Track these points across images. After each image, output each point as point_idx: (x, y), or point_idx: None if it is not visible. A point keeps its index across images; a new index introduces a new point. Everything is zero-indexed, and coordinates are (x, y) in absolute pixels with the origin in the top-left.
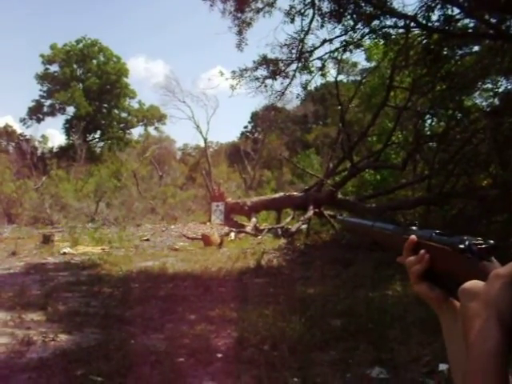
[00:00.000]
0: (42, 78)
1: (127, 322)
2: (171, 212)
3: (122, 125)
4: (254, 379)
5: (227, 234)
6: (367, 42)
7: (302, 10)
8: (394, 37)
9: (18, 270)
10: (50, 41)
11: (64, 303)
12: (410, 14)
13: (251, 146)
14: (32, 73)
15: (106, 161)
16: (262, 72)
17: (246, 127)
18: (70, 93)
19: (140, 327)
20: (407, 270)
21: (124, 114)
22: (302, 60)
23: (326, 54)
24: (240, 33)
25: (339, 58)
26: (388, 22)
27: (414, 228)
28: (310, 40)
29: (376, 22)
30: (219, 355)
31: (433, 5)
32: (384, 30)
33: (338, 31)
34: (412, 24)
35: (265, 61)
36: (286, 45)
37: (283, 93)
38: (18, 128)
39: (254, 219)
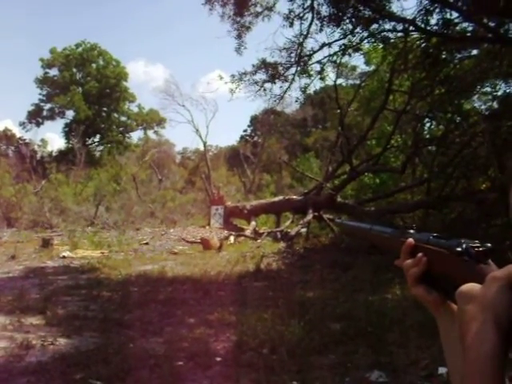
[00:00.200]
0: (42, 81)
1: (126, 326)
2: (170, 216)
3: (121, 128)
4: (253, 383)
5: (226, 238)
6: (366, 45)
7: (301, 14)
8: (392, 40)
9: (18, 273)
10: (49, 44)
11: (63, 307)
12: (408, 17)
13: (250, 149)
14: (31, 77)
15: (106, 164)
16: (261, 76)
17: (245, 131)
18: (69, 97)
19: (139, 331)
20: (405, 273)
21: (123, 118)
22: (301, 64)
23: (325, 57)
24: (239, 37)
25: (338, 61)
26: (387, 26)
27: (411, 231)
28: (309, 44)
29: (375, 26)
30: (218, 359)
31: (431, 9)
32: (383, 33)
33: (336, 35)
34: (411, 28)
35: (264, 65)
36: (285, 49)
37: (282, 96)
38: (18, 132)
39: (253, 223)
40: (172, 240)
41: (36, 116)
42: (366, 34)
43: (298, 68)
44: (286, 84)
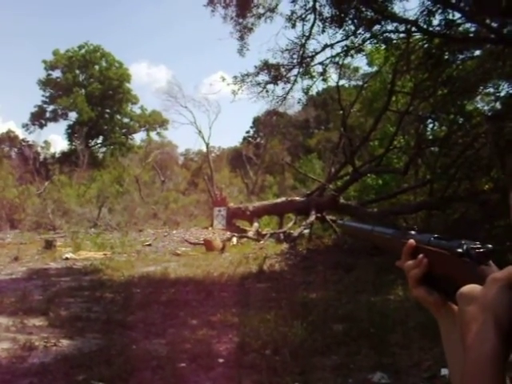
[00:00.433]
0: (45, 83)
1: (129, 327)
2: (173, 217)
3: (124, 130)
4: None
5: (229, 239)
6: (368, 46)
7: (303, 16)
8: (395, 41)
9: (21, 275)
10: (52, 46)
11: (66, 308)
12: (411, 18)
13: (253, 150)
14: (34, 78)
15: (109, 166)
16: (263, 77)
17: (247, 132)
18: (72, 98)
19: (142, 332)
20: (406, 274)
21: (126, 120)
22: (304, 65)
23: (328, 58)
24: (241, 38)
25: (340, 62)
26: (389, 27)
27: (412, 232)
28: (312, 45)
29: (377, 27)
30: (221, 360)
31: (434, 9)
32: (385, 34)
33: (339, 36)
34: (413, 29)
35: (266, 66)
36: (287, 50)
37: (285, 98)
38: (21, 134)
39: (256, 224)
40: (175, 241)
41: (39, 118)
42: (368, 35)
43: (301, 69)
44: (289, 85)
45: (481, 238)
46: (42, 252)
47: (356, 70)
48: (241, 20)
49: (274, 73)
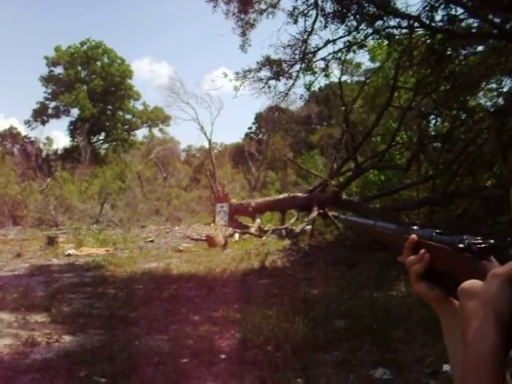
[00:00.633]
0: (47, 80)
1: (131, 323)
2: (175, 213)
3: (126, 126)
4: (257, 380)
5: (231, 235)
6: (371, 42)
7: (305, 11)
8: (397, 37)
9: (23, 271)
10: (54, 42)
11: (68, 304)
12: (413, 14)
13: (255, 147)
14: (36, 75)
15: (111, 162)
16: (265, 73)
17: (250, 128)
18: (74, 95)
19: (144, 328)
20: (408, 270)
21: (128, 116)
22: (306, 61)
23: (330, 54)
24: (243, 34)
25: (343, 58)
26: (391, 23)
27: (414, 227)
28: (314, 41)
29: (379, 23)
30: (223, 356)
31: (436, 5)
32: (387, 30)
33: (341, 32)
34: (416, 24)
35: (268, 62)
36: (289, 46)
37: (287, 94)
38: (23, 130)
39: (258, 220)
40: (177, 237)
41: (41, 114)
42: (370, 30)
43: (303, 65)
44: (291, 81)
45: (483, 234)
46: (45, 248)
47: (358, 65)
48: (243, 16)
49: (276, 69)
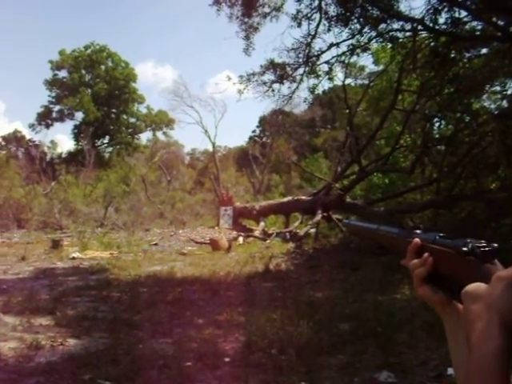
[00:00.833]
0: (51, 83)
1: (135, 327)
2: (179, 217)
3: (130, 130)
4: (261, 383)
5: (235, 239)
6: (374, 45)
7: (309, 15)
8: (401, 40)
9: (27, 274)
10: (58, 46)
11: (73, 308)
12: (417, 17)
13: (259, 150)
14: (41, 79)
15: (115, 166)
16: (269, 76)
17: (254, 131)
18: (78, 98)
19: (148, 331)
20: (411, 273)
21: (132, 119)
22: (309, 64)
23: (333, 57)
24: (247, 37)
25: (346, 61)
26: (395, 26)
27: (418, 231)
28: (317, 44)
29: (383, 26)
30: (227, 359)
31: (440, 7)
32: (391, 33)
33: (344, 35)
34: (419, 27)
35: (272, 65)
36: (293, 49)
37: (291, 97)
38: (27, 134)
39: (262, 223)
40: (181, 241)
41: (45, 118)
42: (374, 33)
43: (306, 68)
44: (295, 84)
45: (487, 237)
46: (49, 251)
47: (362, 68)
48: (246, 19)
49: (280, 72)
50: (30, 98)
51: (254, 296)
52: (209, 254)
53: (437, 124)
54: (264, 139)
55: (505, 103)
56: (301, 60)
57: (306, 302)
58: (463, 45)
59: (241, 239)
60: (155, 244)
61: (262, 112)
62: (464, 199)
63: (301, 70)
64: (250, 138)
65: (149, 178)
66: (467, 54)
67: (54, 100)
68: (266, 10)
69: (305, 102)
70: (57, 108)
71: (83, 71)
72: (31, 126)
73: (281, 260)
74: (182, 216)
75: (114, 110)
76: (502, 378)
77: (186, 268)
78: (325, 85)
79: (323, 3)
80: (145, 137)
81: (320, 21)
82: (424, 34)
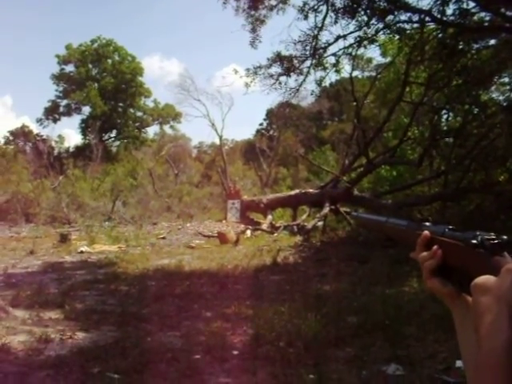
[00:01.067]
0: (58, 78)
1: (144, 320)
2: (187, 210)
3: (137, 124)
4: (269, 376)
5: (243, 232)
6: (382, 37)
7: (316, 7)
8: (408, 32)
9: (36, 268)
10: (65, 41)
11: (81, 301)
12: (424, 8)
13: (266, 143)
14: (48, 73)
15: (122, 160)
16: (276, 69)
17: (261, 124)
18: (85, 92)
19: (156, 325)
20: (420, 266)
21: (139, 113)
22: (316, 56)
23: (341, 50)
24: (254, 30)
25: (353, 53)
26: (402, 17)
27: (427, 224)
28: (324, 36)
29: (390, 17)
30: (235, 352)
31: None
32: (398, 25)
33: (352, 27)
34: (427, 18)
35: (279, 58)
36: (299, 41)
37: (298, 90)
38: (35, 128)
39: (269, 216)
40: (189, 234)
41: (53, 112)
42: (381, 25)
43: (313, 61)
44: (302, 77)
45: (496, 229)
46: (57, 245)
47: (369, 60)
48: (253, 12)
49: (287, 65)
50: (37, 93)
51: (261, 289)
52: (216, 248)
53: (445, 116)
54: (271, 132)
55: None
56: (308, 52)
57: (313, 295)
58: (471, 36)
59: (248, 232)
60: (163, 237)
61: (269, 105)
62: (472, 192)
63: (308, 63)
64: (257, 131)
65: (156, 171)
66: (475, 46)
67: (61, 94)
68: (273, 2)
69: (312, 94)
70: (64, 102)
71: (90, 65)
72: (39, 121)
73: (288, 253)
74: (189, 209)
75: (120, 104)
76: (511, 371)
77: (194, 261)
78: (332, 77)
79: None
80: (152, 130)
81: (327, 13)
82: (432, 26)
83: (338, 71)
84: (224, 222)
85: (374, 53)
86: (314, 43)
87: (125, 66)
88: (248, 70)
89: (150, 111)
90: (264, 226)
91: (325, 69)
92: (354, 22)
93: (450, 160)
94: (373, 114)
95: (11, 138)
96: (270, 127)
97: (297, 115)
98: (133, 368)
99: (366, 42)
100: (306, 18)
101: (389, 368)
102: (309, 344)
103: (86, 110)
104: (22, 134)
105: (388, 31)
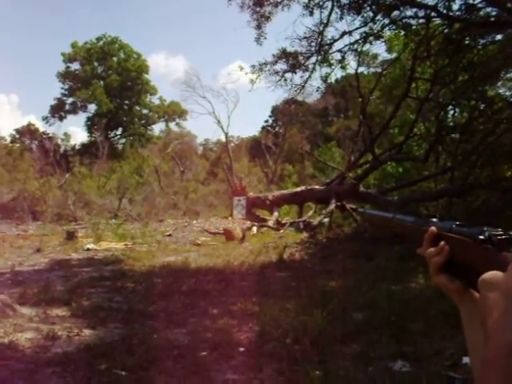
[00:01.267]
0: (64, 76)
1: (150, 317)
2: (193, 207)
3: (143, 121)
4: (275, 372)
5: (249, 229)
6: (387, 33)
7: (321, 3)
8: (414, 27)
9: (43, 266)
10: (70, 39)
11: (88, 298)
12: (430, 3)
13: (272, 140)
14: (53, 71)
15: (128, 157)
16: (281, 66)
17: (266, 121)
18: (91, 90)
19: (163, 322)
20: (427, 262)
21: (145, 111)
22: (322, 53)
23: (346, 46)
24: (259, 27)
25: (359, 49)
26: (408, 13)
27: (434, 219)
28: (330, 32)
29: (396, 13)
30: (241, 349)
31: None
32: (404, 20)
33: (357, 23)
34: (433, 14)
35: (284, 54)
36: (305, 38)
37: (303, 86)
38: (41, 126)
39: (275, 213)
40: (195, 231)
41: (59, 110)
42: (387, 21)
43: (319, 57)
44: (307, 73)
45: (502, 225)
46: (64, 243)
47: (375, 56)
48: (258, 8)
49: (292, 61)
50: (43, 91)
51: (267, 286)
52: (223, 245)
53: (451, 112)
54: (277, 129)
55: None
56: (313, 49)
57: (319, 292)
58: (477, 31)
59: (254, 229)
60: (169, 235)
61: (275, 102)
62: (479, 187)
63: (313, 59)
64: (263, 127)
65: (162, 168)
66: (482, 41)
67: (66, 92)
68: None
69: (317, 91)
70: (70, 100)
71: (95, 63)
72: (45, 119)
73: (294, 250)
74: (195, 206)
75: (126, 102)
76: None
77: (200, 258)
78: (337, 73)
79: None
80: (158, 128)
81: (332, 9)
82: (437, 21)
83: (343, 67)
84: (230, 218)
85: (379, 49)
86: (319, 39)
87: (130, 63)
88: (253, 66)
89: (156, 108)
90: (270, 223)
91: (330, 65)
92: (359, 17)
93: (457, 156)
94: (379, 110)
95: (17, 136)
96: (276, 124)
97: (302, 112)
98: (139, 365)
99: (371, 38)
100: (311, 14)
101: (395, 364)
102: (315, 340)
103: (92, 107)
104: (28, 132)
105: (394, 27)
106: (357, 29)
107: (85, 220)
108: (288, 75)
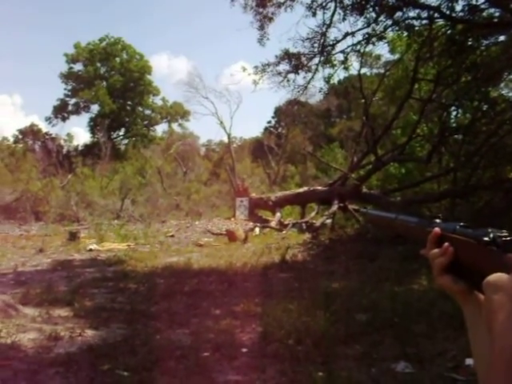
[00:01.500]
0: (67, 76)
1: (153, 318)
2: (196, 208)
3: (145, 122)
4: (278, 373)
5: (252, 230)
6: (390, 34)
7: (324, 4)
8: (417, 28)
9: (46, 266)
10: (73, 39)
11: (90, 299)
12: (433, 4)
13: (275, 140)
14: (56, 72)
15: (131, 158)
16: (284, 66)
17: (269, 122)
18: (94, 91)
19: (165, 322)
20: (431, 263)
21: (148, 111)
22: (325, 54)
23: (349, 47)
24: (262, 28)
25: (362, 50)
26: (411, 14)
27: (437, 221)
28: (332, 33)
29: (399, 14)
30: (244, 350)
31: None
32: (407, 21)
33: (360, 24)
34: (436, 15)
35: (287, 55)
36: (308, 39)
37: (306, 87)
38: (44, 127)
39: (278, 214)
40: (197, 232)
41: (61, 111)
42: (389, 22)
43: (322, 58)
44: (310, 74)
45: (506, 227)
46: (67, 244)
47: (378, 57)
48: (261, 9)
49: (295, 62)
50: (45, 92)
51: (270, 287)
52: (225, 245)
53: (454, 113)
54: (279, 130)
55: None
56: (316, 50)
57: (322, 293)
58: (480, 32)
59: (257, 230)
60: (171, 235)
61: (278, 102)
62: (482, 189)
63: (316, 60)
64: (266, 128)
65: (165, 169)
66: (485, 42)
67: (69, 93)
68: None
69: (320, 91)
70: (72, 101)
71: (98, 64)
72: (47, 120)
73: (297, 251)
74: (198, 207)
75: (129, 103)
76: None
77: (203, 259)
78: (340, 74)
79: None
80: (160, 129)
81: (335, 10)
82: (440, 22)
83: (346, 68)
84: (232, 219)
85: (382, 50)
86: (322, 40)
87: (133, 64)
88: (256, 67)
89: (159, 109)
90: (272, 224)
91: (333, 66)
92: (362, 18)
93: (459, 157)
94: (381, 111)
95: (20, 136)
96: (279, 125)
97: (305, 113)
98: (142, 365)
99: (374, 39)
100: (314, 15)
101: (398, 366)
102: (318, 341)
103: (95, 108)
104: (31, 132)
105: (396, 28)
106: (359, 30)
107: (87, 220)
108: (291, 76)
